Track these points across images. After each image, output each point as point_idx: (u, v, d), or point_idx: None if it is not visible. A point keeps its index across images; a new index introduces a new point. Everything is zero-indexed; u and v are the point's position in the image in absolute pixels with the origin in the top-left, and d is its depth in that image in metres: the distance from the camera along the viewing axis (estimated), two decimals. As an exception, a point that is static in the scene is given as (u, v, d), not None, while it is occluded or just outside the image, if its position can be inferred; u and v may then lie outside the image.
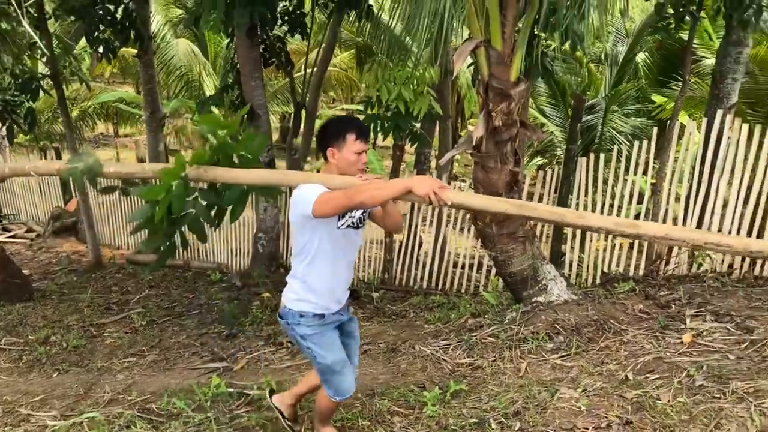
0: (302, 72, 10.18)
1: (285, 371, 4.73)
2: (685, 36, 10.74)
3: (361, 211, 2.95)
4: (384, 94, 6.80)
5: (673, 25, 5.63)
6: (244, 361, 5.10)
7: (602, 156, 6.66)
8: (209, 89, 14.59)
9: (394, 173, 12.29)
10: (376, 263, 8.17)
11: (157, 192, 3.08)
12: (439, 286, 7.63)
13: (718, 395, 3.33)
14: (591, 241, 6.76)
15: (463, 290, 7.36)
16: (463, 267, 7.66)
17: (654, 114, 10.43)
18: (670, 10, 5.58)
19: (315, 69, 9.13)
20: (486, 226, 4.82)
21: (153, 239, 3.30)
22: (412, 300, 6.58)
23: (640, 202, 6.39)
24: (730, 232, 5.84)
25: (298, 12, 8.18)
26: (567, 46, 5.46)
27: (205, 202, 3.26)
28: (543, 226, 6.98)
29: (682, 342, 3.99)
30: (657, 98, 10.53)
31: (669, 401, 3.35)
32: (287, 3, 8.24)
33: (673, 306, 4.52)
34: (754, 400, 3.22)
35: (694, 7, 5.43)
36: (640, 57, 12.40)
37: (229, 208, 3.32)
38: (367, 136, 2.94)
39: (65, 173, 3.45)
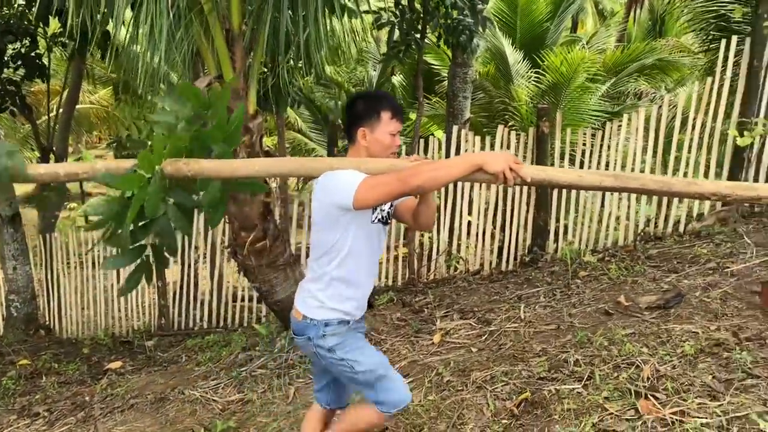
0: (48, 114, 9.43)
1: (41, 444, 4.32)
2: (431, 59, 11.76)
3: (389, 204, 2.57)
4: (135, 133, 6.54)
5: (402, 52, 6.11)
6: (-7, 441, 4.57)
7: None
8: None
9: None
10: (152, 309, 7.79)
11: (135, 182, 2.41)
12: (220, 323, 7.47)
13: (461, 388, 3.64)
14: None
15: (245, 323, 7.28)
16: (243, 300, 7.58)
17: (408, 131, 11.22)
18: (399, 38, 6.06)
19: (61, 110, 8.53)
20: (245, 258, 4.82)
21: (120, 256, 2.58)
22: (187, 343, 6.35)
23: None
24: (477, 234, 6.46)
25: (33, 54, 7.57)
26: (328, 70, 5.67)
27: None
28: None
29: (433, 342, 4.32)
30: (413, 116, 11.33)
31: (420, 401, 3.59)
32: (19, 45, 7.59)
33: (425, 310, 4.88)
34: (489, 387, 3.57)
35: (418, 35, 5.95)
36: (397, 79, 13.27)
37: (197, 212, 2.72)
38: (402, 115, 2.55)
39: None
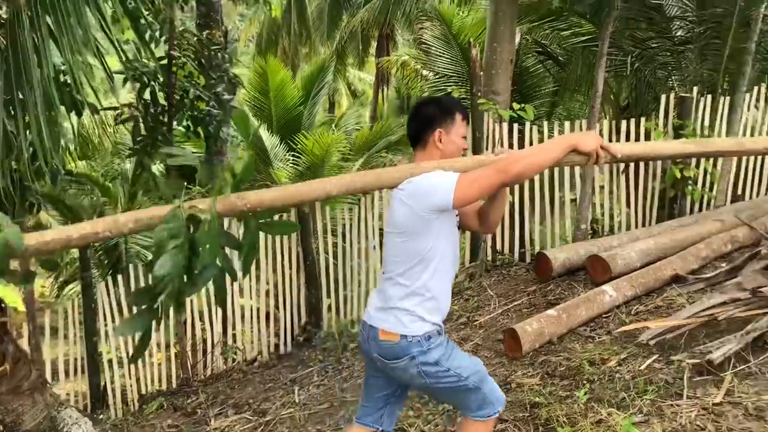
0: None
1: None
2: (191, 146, 11.62)
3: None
4: None
5: (150, 146, 5.96)
6: None
7: (120, 277, 6.58)
8: None
9: None
10: None
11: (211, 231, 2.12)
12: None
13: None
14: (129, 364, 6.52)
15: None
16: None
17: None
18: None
19: None
20: (-20, 389, 4.23)
21: (137, 317, 2.21)
22: None
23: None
24: (252, 319, 6.35)
25: None
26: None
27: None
28: (71, 360, 6.50)
29: (205, 445, 4.11)
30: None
31: None
32: None
33: (198, 411, 4.64)
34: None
35: (165, 128, 5.86)
36: (157, 168, 12.88)
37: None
38: (469, 118, 2.53)
39: None
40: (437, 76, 10.20)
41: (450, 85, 9.25)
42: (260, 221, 2.30)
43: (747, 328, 3.32)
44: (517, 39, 8.83)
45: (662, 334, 3.54)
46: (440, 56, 9.97)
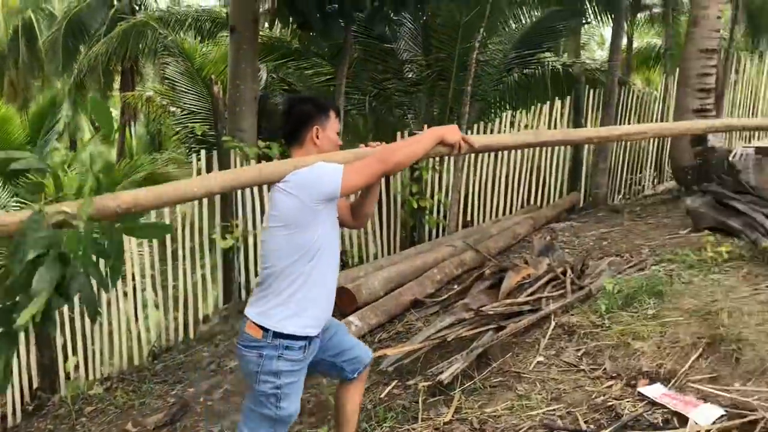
0: None
1: None
2: None
3: None
4: None
5: None
6: None
7: None
8: None
9: None
10: None
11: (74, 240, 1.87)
12: None
13: None
14: None
15: None
16: None
17: None
18: None
19: None
20: None
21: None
22: None
23: None
24: None
25: None
26: None
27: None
28: None
29: None
30: None
31: None
32: None
33: None
34: None
35: None
36: None
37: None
38: (341, 115, 2.64)
39: None
40: (184, 113, 9.90)
41: (197, 122, 9.00)
42: (125, 224, 2.09)
43: (472, 346, 3.62)
44: (264, 76, 8.92)
45: (400, 359, 3.72)
46: (186, 92, 9.70)
